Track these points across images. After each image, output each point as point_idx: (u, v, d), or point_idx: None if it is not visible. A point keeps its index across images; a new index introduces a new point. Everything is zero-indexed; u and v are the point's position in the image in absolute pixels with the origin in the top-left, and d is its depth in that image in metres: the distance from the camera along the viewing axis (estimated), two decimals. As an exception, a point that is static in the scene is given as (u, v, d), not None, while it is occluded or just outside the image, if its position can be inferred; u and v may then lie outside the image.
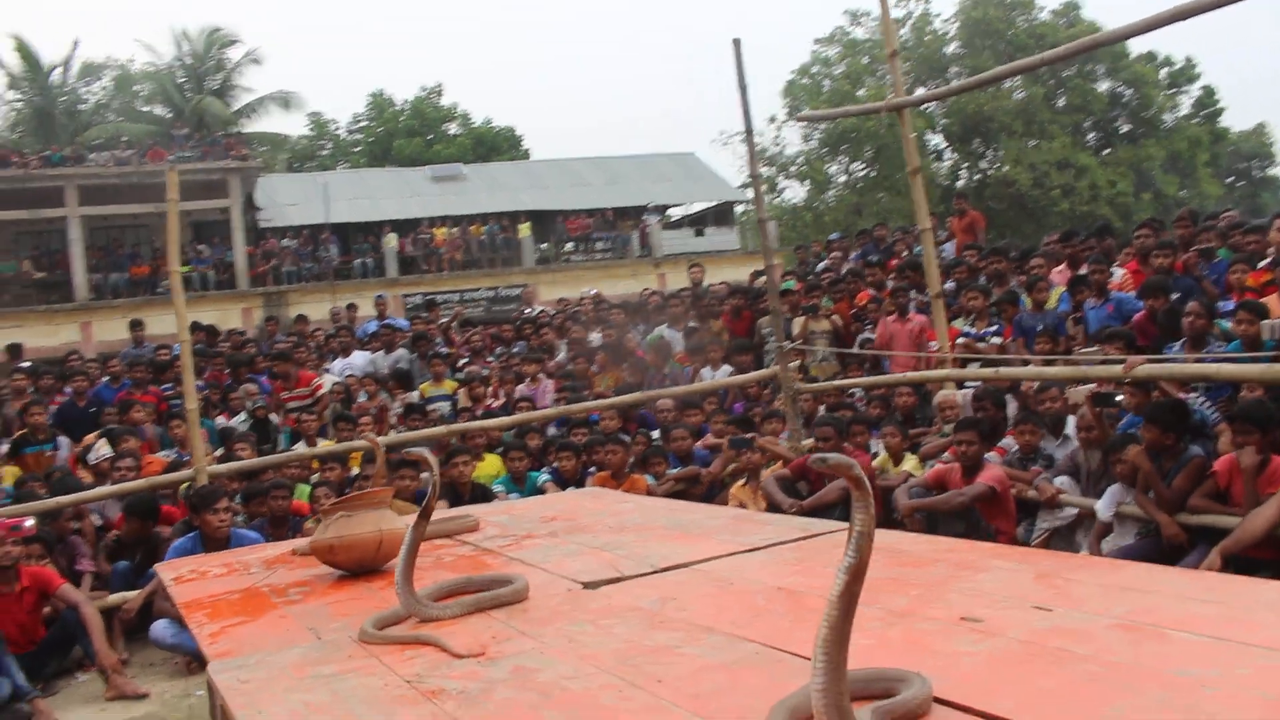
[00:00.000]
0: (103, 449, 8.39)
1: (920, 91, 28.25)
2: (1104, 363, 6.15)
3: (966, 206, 13.36)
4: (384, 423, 9.70)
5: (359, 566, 3.19)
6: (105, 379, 10.91)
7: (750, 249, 29.07)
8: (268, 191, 29.99)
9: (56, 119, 34.35)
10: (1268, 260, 7.62)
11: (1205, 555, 5.06)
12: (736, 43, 7.66)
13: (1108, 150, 35.02)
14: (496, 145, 40.76)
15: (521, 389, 10.21)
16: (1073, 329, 8.02)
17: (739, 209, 33.70)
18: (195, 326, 12.30)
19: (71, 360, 12.01)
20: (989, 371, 7.14)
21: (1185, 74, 36.00)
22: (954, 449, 6.38)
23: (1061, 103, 34.34)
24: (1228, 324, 6.55)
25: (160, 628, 6.10)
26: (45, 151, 27.77)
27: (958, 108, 32.90)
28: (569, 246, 30.80)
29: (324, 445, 8.68)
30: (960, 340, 8.10)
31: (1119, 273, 8.61)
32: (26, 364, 11.88)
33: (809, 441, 7.42)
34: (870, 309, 9.93)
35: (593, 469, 8.03)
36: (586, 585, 2.77)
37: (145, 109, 35.86)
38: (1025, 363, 7.34)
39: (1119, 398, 6.41)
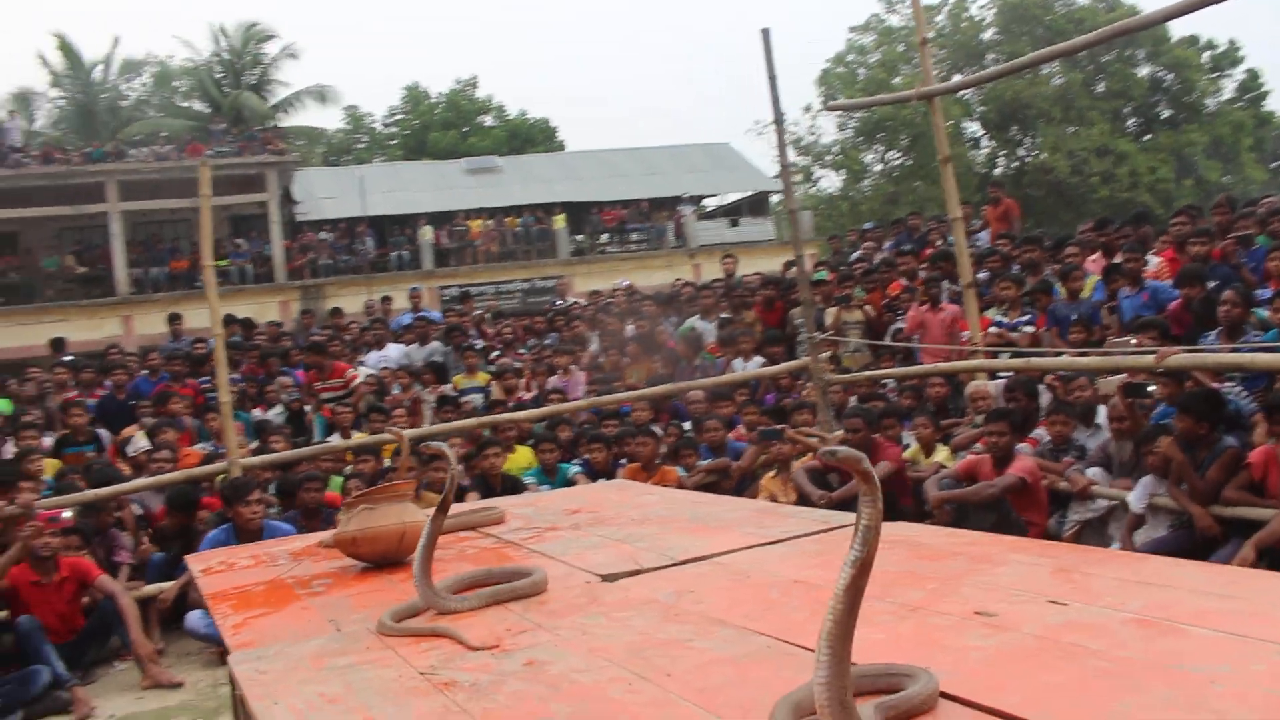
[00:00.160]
0: (141, 441, 8.53)
1: (956, 79, 27.99)
2: (1136, 353, 6.08)
3: (1001, 195, 13.25)
4: (418, 415, 9.77)
5: (382, 559, 3.22)
6: (144, 372, 11.08)
7: (785, 239, 28.90)
8: (305, 185, 30.23)
9: (98, 115, 34.82)
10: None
11: (1239, 548, 4.99)
12: (765, 32, 7.63)
13: (1148, 136, 34.50)
14: (531, 137, 40.83)
15: (553, 381, 10.25)
16: (1107, 318, 7.93)
17: (774, 199, 33.56)
18: (230, 320, 12.46)
19: (111, 354, 12.19)
20: (1019, 362, 7.08)
21: (1229, 57, 35.33)
22: (984, 440, 6.34)
23: (1101, 88, 33.87)
24: (1265, 312, 6.47)
25: (194, 618, 6.20)
26: (87, 148, 28.15)
27: (995, 94, 32.56)
28: (604, 238, 30.81)
29: (357, 438, 8.76)
30: (992, 330, 8.03)
31: (1155, 261, 8.50)
32: (69, 358, 12.09)
33: (839, 433, 7.39)
34: (902, 299, 9.87)
35: (623, 461, 8.06)
36: (605, 578, 2.77)
37: (184, 104, 36.26)
38: (1058, 353, 7.27)
39: (1151, 388, 6.35)
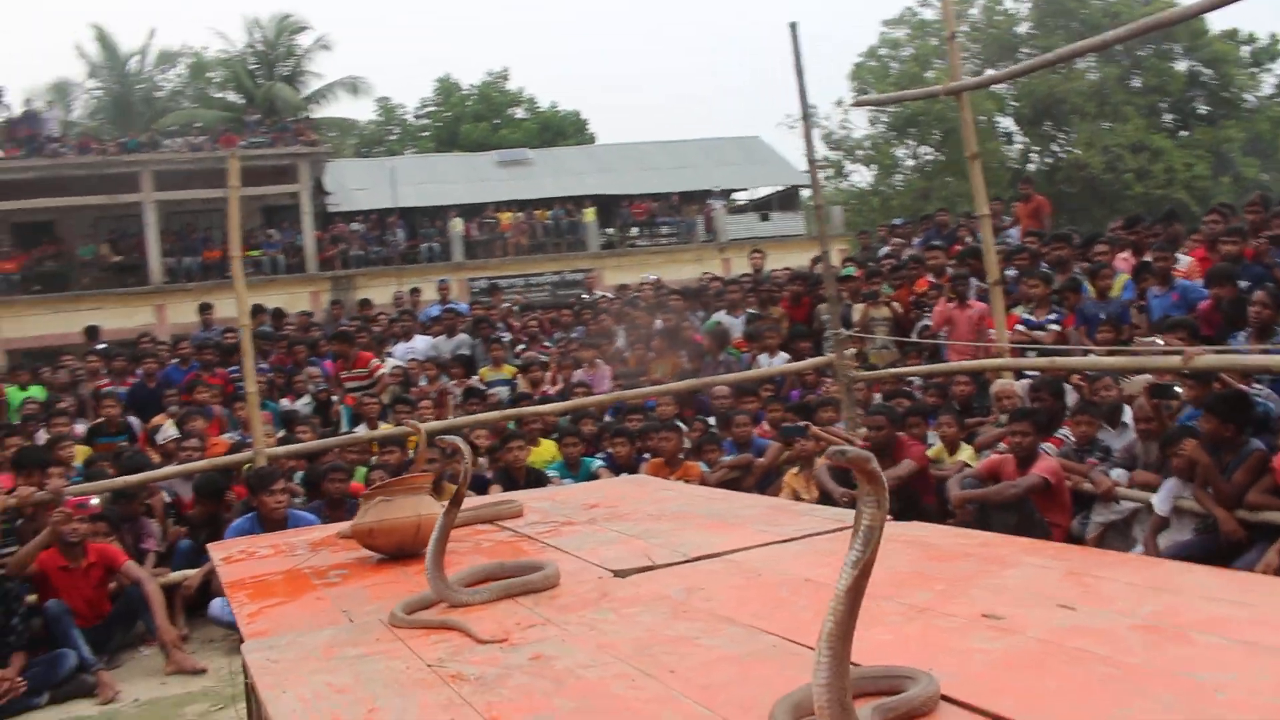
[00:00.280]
0: (170, 430, 8.62)
1: (989, 73, 27.77)
2: (1163, 353, 6.01)
3: (1032, 191, 13.15)
4: (444, 407, 9.81)
5: (398, 550, 3.24)
6: (174, 361, 11.19)
7: (815, 234, 28.80)
8: (336, 176, 30.42)
9: (134, 106, 35.19)
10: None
11: (1264, 553, 4.94)
12: (793, 26, 7.62)
13: (1185, 132, 34.07)
14: (563, 130, 40.87)
15: (579, 374, 10.27)
16: (1137, 317, 7.85)
17: (805, 193, 33.41)
18: (258, 310, 12.56)
19: (143, 343, 12.32)
20: (1044, 361, 7.02)
21: (1269, 52, 34.73)
22: (1008, 440, 6.30)
23: (1137, 83, 33.47)
24: (1296, 314, 6.37)
25: (218, 605, 6.26)
26: (123, 138, 28.47)
27: (1028, 89, 32.26)
28: (634, 231, 30.82)
29: (384, 429, 8.81)
30: (1018, 328, 7.97)
31: (1186, 260, 8.40)
32: (102, 346, 12.24)
33: (863, 430, 7.37)
34: (930, 296, 9.81)
35: (647, 455, 8.06)
36: (617, 574, 2.78)
37: (218, 95, 36.56)
38: (1086, 352, 7.20)
39: (1178, 389, 6.28)
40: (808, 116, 7.97)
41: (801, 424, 7.66)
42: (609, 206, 30.61)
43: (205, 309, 13.25)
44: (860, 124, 36.17)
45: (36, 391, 10.60)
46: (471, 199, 30.09)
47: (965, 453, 7.18)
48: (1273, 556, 4.83)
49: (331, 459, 7.80)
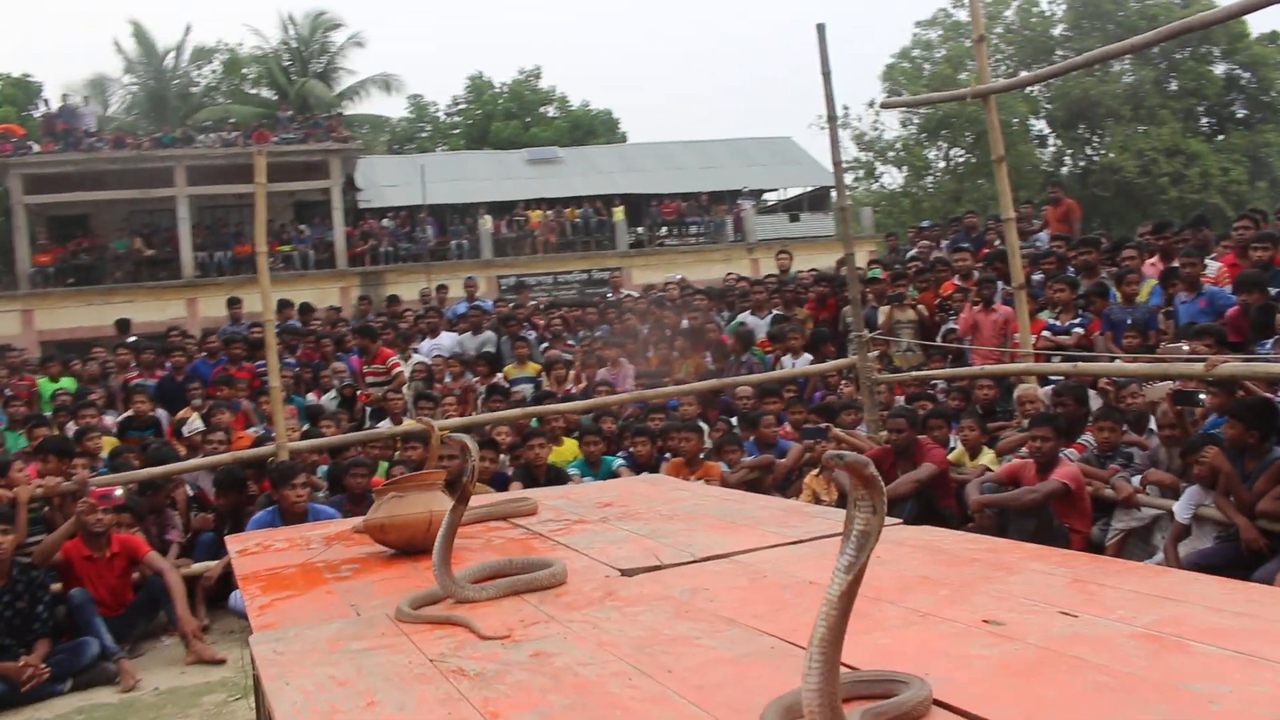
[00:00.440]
0: (195, 423, 8.71)
1: (1023, 75, 27.56)
2: (1186, 360, 5.95)
3: (1061, 195, 13.05)
4: (469, 404, 9.85)
5: (409, 545, 3.27)
6: (202, 355, 11.29)
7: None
8: (367, 173, 30.59)
9: (169, 102, 35.50)
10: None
11: (1286, 562, 4.89)
12: (820, 28, 7.59)
13: (1221, 136, 33.67)
14: (594, 128, 40.90)
15: (602, 373, 10.28)
16: (1164, 324, 7.78)
17: (835, 194, 33.24)
18: (286, 304, 12.66)
19: (172, 336, 12.45)
20: (1067, 366, 6.97)
21: (1310, 56, 34.36)
22: (1029, 444, 6.25)
23: (1174, 86, 33.10)
24: (1325, 322, 6.30)
25: (238, 597, 6.31)
26: (157, 133, 28.76)
27: (1062, 92, 31.98)
28: (663, 230, 30.81)
29: (408, 425, 8.85)
30: (1044, 334, 7.92)
31: (1214, 266, 8.31)
32: (132, 339, 12.38)
33: (884, 433, 7.34)
34: (955, 299, 9.76)
35: (668, 455, 8.07)
36: (624, 573, 2.79)
37: (252, 91, 36.89)
38: (1112, 358, 7.14)
39: (1202, 396, 6.22)
40: (834, 118, 7.94)
41: (823, 425, 7.64)
42: (638, 206, 30.61)
43: (234, 303, 13.36)
44: (892, 125, 36.06)
45: (67, 383, 10.74)
46: (501, 196, 30.18)
47: (987, 456, 7.14)
48: (1294, 566, 4.78)
49: (354, 454, 7.85)
